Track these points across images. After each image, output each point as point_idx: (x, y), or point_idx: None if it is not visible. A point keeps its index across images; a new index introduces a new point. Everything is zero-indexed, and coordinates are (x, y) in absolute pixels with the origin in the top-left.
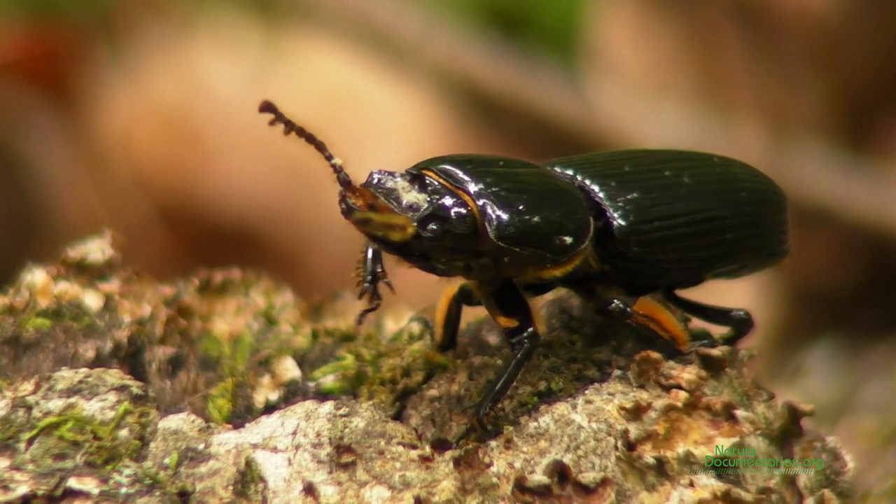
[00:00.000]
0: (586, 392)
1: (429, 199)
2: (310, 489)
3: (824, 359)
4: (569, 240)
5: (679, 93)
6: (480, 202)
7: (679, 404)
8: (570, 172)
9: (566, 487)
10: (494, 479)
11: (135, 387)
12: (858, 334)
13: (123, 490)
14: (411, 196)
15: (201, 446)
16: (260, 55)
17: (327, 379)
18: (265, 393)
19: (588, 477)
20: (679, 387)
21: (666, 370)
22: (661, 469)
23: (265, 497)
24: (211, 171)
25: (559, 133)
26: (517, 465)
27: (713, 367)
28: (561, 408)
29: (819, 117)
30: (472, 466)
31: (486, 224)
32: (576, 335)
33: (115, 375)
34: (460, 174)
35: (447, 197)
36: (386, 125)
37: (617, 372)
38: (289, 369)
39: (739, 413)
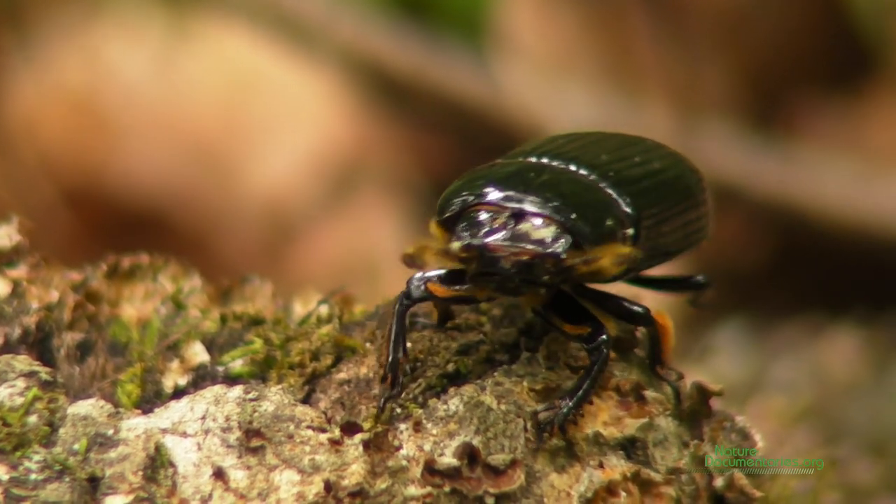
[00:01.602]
0: (495, 374)
1: (545, 227)
2: (219, 474)
3: (733, 338)
4: (630, 231)
5: (586, 73)
6: (560, 217)
7: None
8: (563, 164)
9: (476, 469)
10: (404, 462)
11: (43, 373)
12: (767, 313)
13: (33, 476)
14: (535, 231)
15: (111, 432)
16: (165, 38)
17: (236, 363)
18: (174, 378)
19: (497, 459)
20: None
21: (574, 352)
22: (570, 450)
23: (175, 482)
24: (117, 155)
25: (466, 114)
26: (427, 447)
27: (621, 347)
28: (470, 390)
29: (726, 96)
30: (381, 450)
31: (578, 237)
32: (484, 317)
33: (23, 362)
34: (523, 197)
35: (544, 222)
36: (292, 107)
37: (526, 354)
38: (197, 354)
39: (648, 394)
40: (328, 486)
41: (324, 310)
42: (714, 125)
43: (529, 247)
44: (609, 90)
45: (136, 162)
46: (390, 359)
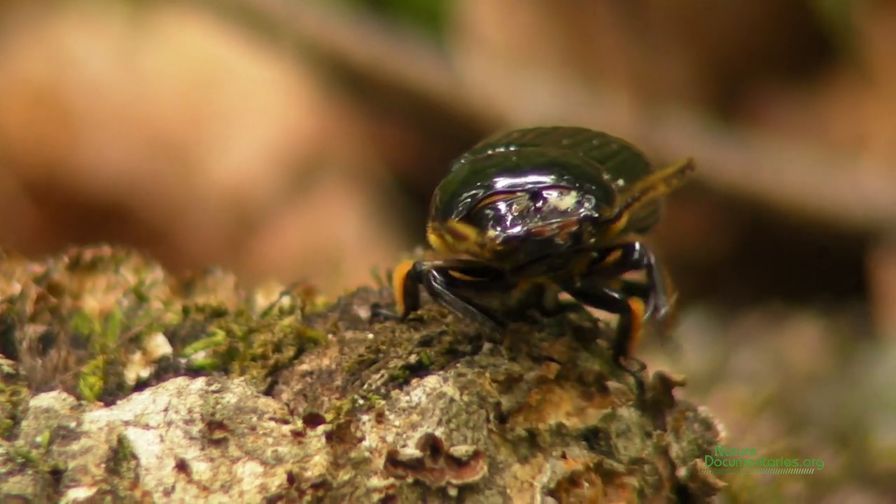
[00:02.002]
0: (458, 365)
1: (566, 196)
2: (182, 466)
3: (695, 328)
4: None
5: (547, 64)
6: (575, 184)
7: (551, 376)
8: (536, 149)
9: (438, 461)
10: (367, 454)
11: (6, 365)
12: (729, 303)
13: None
14: (561, 202)
15: (73, 424)
16: (127, 30)
17: (199, 355)
18: (136, 370)
19: (460, 450)
20: (551, 358)
21: (537, 342)
22: (533, 441)
23: (137, 474)
24: (79, 147)
25: (428, 106)
26: (389, 438)
27: (584, 338)
28: (432, 381)
29: (687, 86)
30: (344, 441)
31: (595, 197)
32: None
33: None
34: (528, 177)
35: (561, 193)
36: (254, 100)
37: (488, 345)
38: (160, 346)
39: (611, 384)
40: (291, 478)
41: (286, 301)
42: (676, 115)
43: (568, 217)
44: (571, 81)
45: (98, 154)
46: (491, 324)
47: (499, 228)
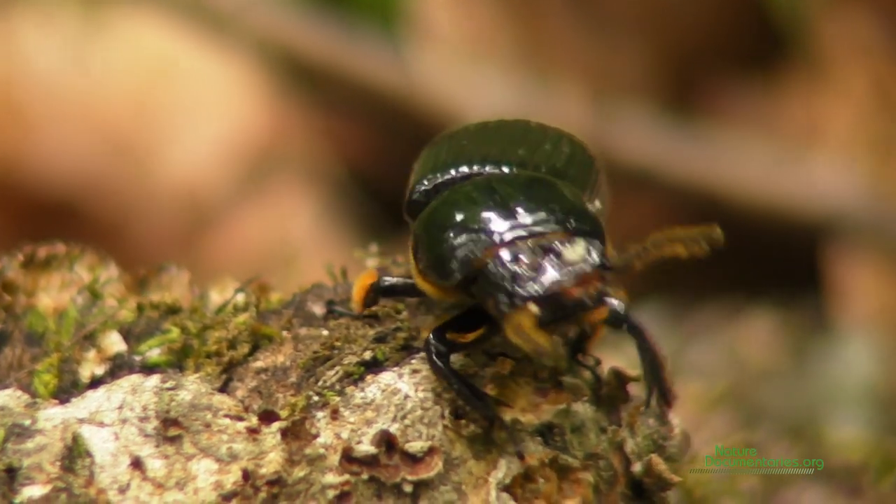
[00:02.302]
0: (412, 361)
1: (576, 244)
2: (137, 463)
3: (650, 322)
4: None
5: (501, 58)
6: (582, 228)
7: (505, 372)
8: (507, 169)
9: (393, 457)
10: (322, 450)
11: None
12: (683, 297)
13: None
14: (570, 253)
15: (28, 422)
16: (80, 27)
17: (153, 352)
18: (91, 367)
19: (415, 446)
20: (505, 354)
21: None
22: (488, 437)
23: (92, 472)
24: (32, 144)
25: (381, 101)
26: (344, 435)
27: None
28: (387, 377)
29: (642, 80)
30: (299, 438)
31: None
32: (401, 304)
33: None
34: (528, 223)
35: (570, 241)
36: (207, 96)
37: None
38: (114, 343)
39: (566, 380)
40: (246, 475)
41: (240, 298)
42: (630, 109)
43: (586, 271)
44: (525, 75)
45: (52, 151)
46: (483, 405)
47: (517, 289)
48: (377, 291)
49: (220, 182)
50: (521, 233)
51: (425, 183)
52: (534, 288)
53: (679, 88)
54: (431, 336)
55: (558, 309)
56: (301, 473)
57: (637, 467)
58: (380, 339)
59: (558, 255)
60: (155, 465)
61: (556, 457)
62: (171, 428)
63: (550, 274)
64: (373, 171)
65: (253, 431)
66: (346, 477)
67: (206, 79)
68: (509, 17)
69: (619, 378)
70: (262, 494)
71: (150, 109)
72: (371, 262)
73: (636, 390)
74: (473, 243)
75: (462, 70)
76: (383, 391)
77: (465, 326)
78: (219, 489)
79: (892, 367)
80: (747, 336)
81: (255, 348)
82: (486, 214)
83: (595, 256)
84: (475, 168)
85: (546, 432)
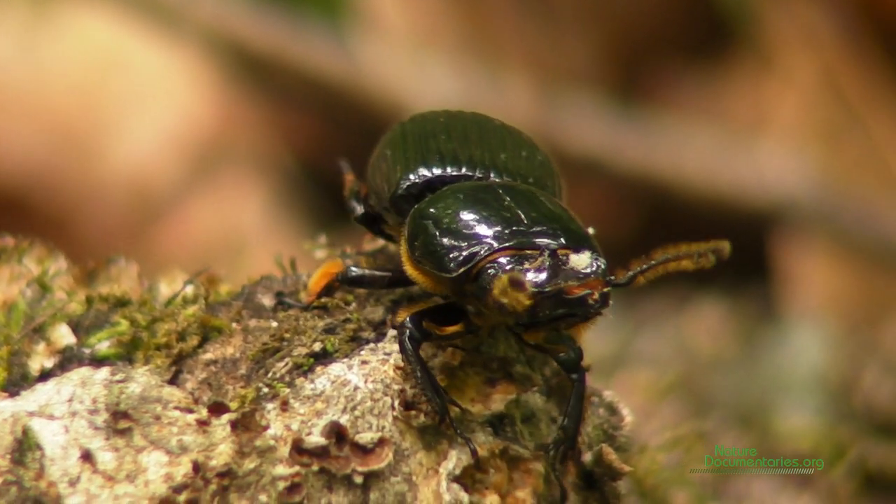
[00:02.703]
0: (362, 353)
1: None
2: (87, 456)
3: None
4: None
5: (448, 48)
6: (579, 243)
7: (455, 362)
8: (494, 176)
9: (343, 448)
10: (272, 442)
11: None
12: (631, 286)
13: None
14: (578, 262)
15: None
16: (27, 18)
17: (103, 345)
18: (40, 360)
19: (365, 437)
20: (455, 345)
21: (441, 328)
22: (438, 427)
23: (43, 465)
24: None
25: (329, 91)
26: (294, 426)
27: None
28: (337, 369)
29: (588, 68)
30: (249, 429)
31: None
32: (350, 296)
33: None
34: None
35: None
36: (155, 87)
37: (392, 332)
38: (64, 336)
39: (516, 370)
40: (196, 467)
41: (190, 290)
42: (576, 97)
43: (592, 278)
44: (471, 65)
45: None
46: (439, 404)
47: (528, 278)
48: (345, 281)
49: (168, 174)
50: (530, 241)
51: (413, 178)
52: (540, 278)
53: (626, 77)
54: (408, 320)
55: (559, 304)
56: (251, 465)
57: (587, 457)
58: (329, 331)
59: (565, 262)
60: (105, 458)
61: (506, 447)
62: (120, 420)
63: (556, 272)
64: (321, 160)
65: (203, 423)
66: (297, 468)
67: (154, 71)
68: (456, 6)
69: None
70: (213, 486)
71: (99, 101)
72: (320, 253)
73: (587, 380)
74: (481, 243)
75: (409, 60)
76: (333, 382)
77: (439, 320)
78: (169, 481)
79: (841, 354)
80: (696, 325)
81: (204, 340)
82: (494, 219)
83: (601, 266)
84: (464, 170)
85: (496, 423)
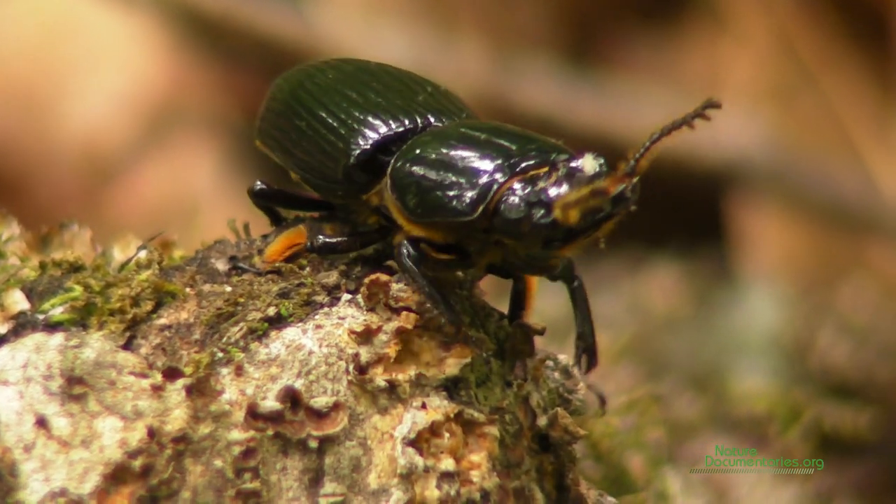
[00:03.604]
0: (316, 317)
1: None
2: (42, 422)
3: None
4: None
5: (400, 12)
6: (567, 154)
7: (409, 326)
8: (451, 118)
9: (298, 412)
10: (227, 407)
11: None
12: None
13: None
14: (589, 166)
15: None
16: None
17: (57, 310)
18: None
19: (320, 402)
20: (409, 308)
21: (395, 292)
22: (392, 392)
23: None
24: None
25: (280, 53)
26: (249, 391)
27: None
28: (291, 333)
29: (540, 31)
30: (203, 394)
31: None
32: (304, 260)
33: None
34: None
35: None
36: (106, 50)
37: (346, 296)
38: (17, 302)
39: (471, 333)
40: (151, 432)
41: (143, 255)
42: (530, 60)
43: (615, 174)
44: (424, 28)
45: None
46: (451, 316)
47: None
48: (315, 251)
49: (121, 137)
50: (532, 162)
51: (364, 144)
52: (573, 184)
53: (581, 40)
54: (406, 241)
55: (601, 206)
56: (206, 430)
57: (542, 421)
58: (283, 295)
59: (575, 171)
60: (60, 424)
61: (461, 410)
62: (75, 386)
63: (581, 180)
64: None
65: (157, 389)
66: (252, 433)
67: (105, 34)
68: None
69: (524, 331)
70: (168, 451)
71: (50, 65)
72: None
73: (540, 344)
74: (490, 176)
75: (363, 23)
76: (287, 347)
77: (433, 246)
78: (124, 447)
79: (796, 316)
80: (650, 286)
81: (158, 305)
82: (486, 152)
83: (605, 162)
84: (407, 122)
85: (451, 386)
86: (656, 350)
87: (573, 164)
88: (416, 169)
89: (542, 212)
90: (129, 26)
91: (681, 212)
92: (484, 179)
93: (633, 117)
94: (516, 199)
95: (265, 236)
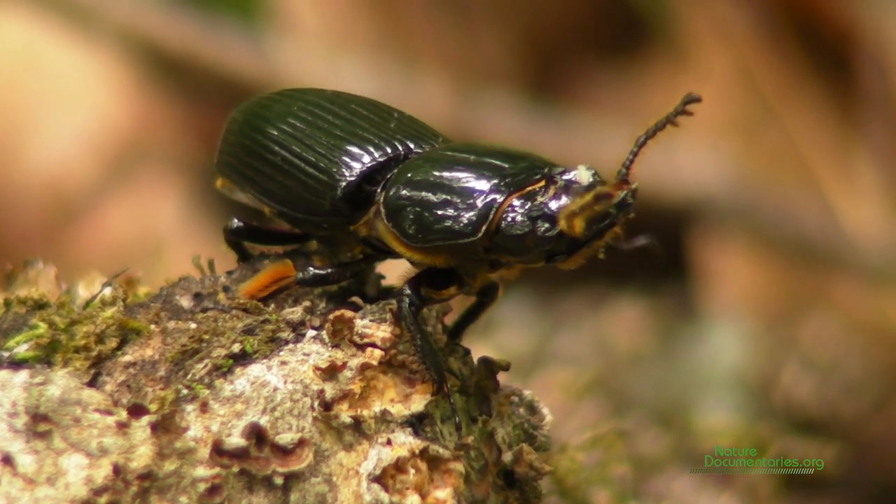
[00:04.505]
0: (281, 353)
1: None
2: (7, 459)
3: (517, 310)
4: None
5: (362, 47)
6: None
7: (374, 362)
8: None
9: (264, 449)
10: (192, 444)
11: None
12: (549, 285)
13: None
14: (584, 178)
15: None
16: None
17: (21, 348)
18: None
19: (285, 438)
20: (373, 345)
21: (360, 329)
22: (358, 428)
23: None
24: None
25: (243, 91)
26: (214, 428)
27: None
28: (256, 369)
29: (503, 66)
30: (169, 431)
31: None
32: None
33: None
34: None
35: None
36: (70, 87)
37: (311, 332)
38: None
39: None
40: (116, 469)
41: (108, 292)
42: (492, 95)
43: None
44: (386, 64)
45: None
46: (437, 375)
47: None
48: (307, 283)
49: (84, 174)
50: (527, 178)
51: (350, 176)
52: (572, 195)
53: (542, 74)
54: (407, 287)
55: (605, 214)
56: (172, 467)
57: (507, 457)
58: (248, 332)
59: (574, 181)
60: (25, 461)
61: (427, 447)
62: (40, 423)
63: (578, 191)
64: None
65: (122, 426)
66: (217, 470)
67: (69, 71)
68: (370, 6)
69: (488, 367)
70: (133, 489)
71: (13, 102)
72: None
73: (505, 380)
74: (488, 195)
75: (324, 60)
76: (252, 383)
77: (433, 283)
78: (89, 484)
79: (760, 351)
80: (614, 323)
81: (123, 342)
82: (481, 173)
83: (597, 171)
84: (389, 150)
85: (416, 423)
86: (621, 386)
87: (568, 176)
88: (412, 195)
89: (547, 225)
90: (93, 63)
91: (643, 248)
92: (483, 199)
93: (595, 151)
94: (518, 216)
95: (230, 272)
